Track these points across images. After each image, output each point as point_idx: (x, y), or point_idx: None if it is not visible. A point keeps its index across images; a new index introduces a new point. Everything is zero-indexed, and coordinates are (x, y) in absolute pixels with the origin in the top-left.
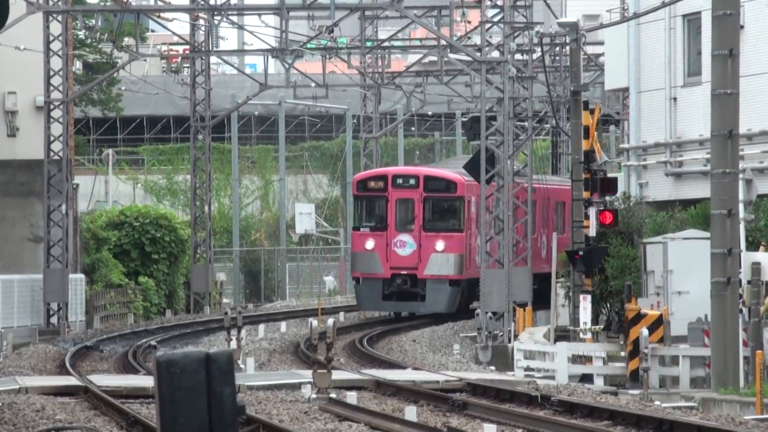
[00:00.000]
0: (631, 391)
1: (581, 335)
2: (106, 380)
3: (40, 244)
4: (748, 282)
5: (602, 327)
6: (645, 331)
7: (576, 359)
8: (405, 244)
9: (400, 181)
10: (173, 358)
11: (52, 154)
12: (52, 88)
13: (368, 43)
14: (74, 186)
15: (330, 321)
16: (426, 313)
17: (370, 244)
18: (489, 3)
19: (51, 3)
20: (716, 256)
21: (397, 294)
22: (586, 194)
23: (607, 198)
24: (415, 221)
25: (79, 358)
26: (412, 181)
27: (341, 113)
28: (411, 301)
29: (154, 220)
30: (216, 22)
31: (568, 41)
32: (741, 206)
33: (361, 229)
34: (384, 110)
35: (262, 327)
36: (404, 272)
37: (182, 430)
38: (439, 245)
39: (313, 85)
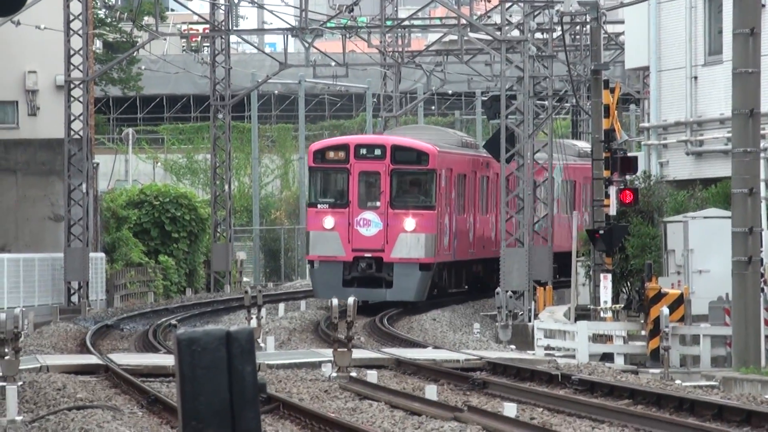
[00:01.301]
0: (651, 370)
1: (602, 314)
2: (126, 359)
3: (61, 223)
4: None
5: (623, 306)
6: (665, 310)
7: (596, 338)
8: (369, 223)
9: (363, 151)
10: (194, 335)
11: (72, 133)
12: (72, 67)
13: (388, 22)
14: (94, 165)
15: (350, 299)
16: (392, 301)
17: (329, 222)
18: None
19: None
20: (737, 234)
21: (359, 279)
22: (606, 173)
23: (628, 177)
24: (381, 197)
25: (100, 337)
26: (377, 152)
27: (361, 92)
28: (376, 287)
29: (174, 199)
30: (236, 1)
31: (588, 20)
32: (762, 185)
33: (319, 206)
34: (404, 89)
35: (282, 306)
36: (368, 255)
37: (203, 408)
38: (409, 224)
39: (333, 64)
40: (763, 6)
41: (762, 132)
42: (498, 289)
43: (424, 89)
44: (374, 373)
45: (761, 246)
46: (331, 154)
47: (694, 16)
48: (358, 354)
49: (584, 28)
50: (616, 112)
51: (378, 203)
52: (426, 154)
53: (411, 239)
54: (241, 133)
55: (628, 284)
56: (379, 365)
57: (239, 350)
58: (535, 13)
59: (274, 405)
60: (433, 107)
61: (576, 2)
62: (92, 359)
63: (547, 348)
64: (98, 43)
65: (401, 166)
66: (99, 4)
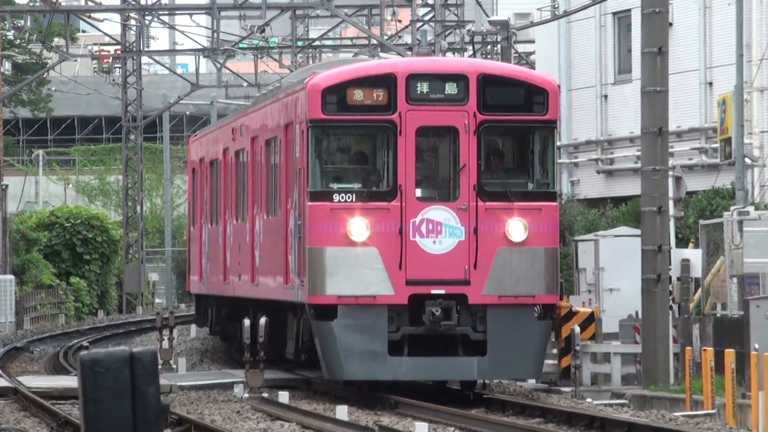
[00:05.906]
0: (562, 389)
1: None
2: (36, 381)
3: None
4: (678, 279)
5: None
6: (577, 328)
7: None
8: (439, 229)
9: (423, 87)
10: (97, 357)
11: None
12: None
13: (299, 43)
14: (3, 187)
15: (263, 320)
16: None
17: (358, 229)
18: (420, 2)
19: None
20: (646, 252)
21: (420, 340)
22: None
23: None
24: (462, 178)
25: (9, 360)
26: (451, 88)
27: None
28: (452, 355)
29: (86, 220)
30: (147, 22)
31: (499, 40)
32: (671, 203)
33: (336, 197)
34: None
35: (194, 327)
36: (439, 290)
37: (106, 429)
38: (516, 230)
39: (245, 84)
40: (671, 25)
41: (670, 150)
42: None
43: None
44: (286, 394)
45: (670, 264)
46: (358, 94)
47: (604, 36)
48: (270, 374)
49: (495, 48)
50: None
51: (456, 191)
52: (544, 92)
53: (521, 259)
54: (153, 154)
55: None
56: (291, 386)
57: (143, 371)
58: (447, 33)
59: (186, 426)
60: None
61: (487, 22)
62: (1, 382)
63: None
64: (7, 65)
65: (500, 116)
66: (8, 25)
